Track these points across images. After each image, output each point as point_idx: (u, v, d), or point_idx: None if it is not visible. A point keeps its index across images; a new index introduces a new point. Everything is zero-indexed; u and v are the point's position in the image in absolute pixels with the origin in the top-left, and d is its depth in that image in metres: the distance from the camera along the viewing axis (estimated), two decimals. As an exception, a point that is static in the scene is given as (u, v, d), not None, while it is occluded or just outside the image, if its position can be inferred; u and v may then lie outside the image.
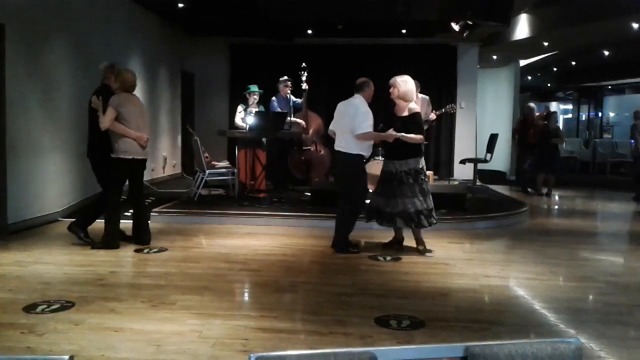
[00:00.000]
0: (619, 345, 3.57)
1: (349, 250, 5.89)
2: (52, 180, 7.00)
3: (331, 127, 6.09)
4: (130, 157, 5.83)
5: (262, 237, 6.59)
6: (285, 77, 8.97)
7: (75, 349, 3.32)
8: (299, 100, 9.11)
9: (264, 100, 8.91)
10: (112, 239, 5.86)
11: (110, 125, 5.67)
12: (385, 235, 6.30)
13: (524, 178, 11.73)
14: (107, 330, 3.64)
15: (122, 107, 5.73)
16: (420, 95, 8.26)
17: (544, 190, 11.00)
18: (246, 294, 4.90)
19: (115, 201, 5.92)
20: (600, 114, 21.33)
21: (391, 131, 5.64)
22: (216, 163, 8.80)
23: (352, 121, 5.73)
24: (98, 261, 5.40)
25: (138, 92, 9.86)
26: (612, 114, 21.37)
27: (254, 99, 8.68)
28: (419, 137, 5.70)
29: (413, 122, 5.73)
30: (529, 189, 11.27)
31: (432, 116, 8.38)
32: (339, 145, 5.89)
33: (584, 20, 10.39)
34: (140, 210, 6.17)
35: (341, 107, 5.99)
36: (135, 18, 9.84)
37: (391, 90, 5.83)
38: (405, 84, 5.81)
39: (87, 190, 8.05)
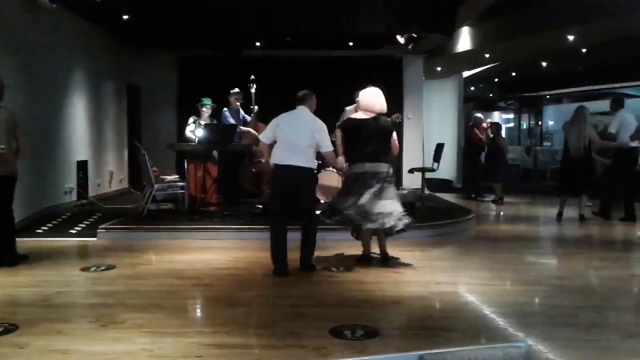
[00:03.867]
0: (566, 346, 3.69)
1: (315, 267, 5.71)
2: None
3: (269, 140, 5.69)
4: None
5: (213, 251, 6.51)
6: (237, 90, 8.94)
7: (20, 374, 3.20)
8: (248, 117, 9.08)
9: (214, 113, 8.84)
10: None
11: None
12: (339, 245, 6.34)
13: (470, 186, 12.11)
14: (54, 353, 3.51)
15: None
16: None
17: (495, 197, 11.37)
18: (198, 310, 4.82)
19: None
20: (540, 123, 22.13)
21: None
22: (165, 177, 8.65)
23: (316, 136, 5.52)
24: (42, 281, 5.21)
25: (83, 105, 9.72)
26: (551, 123, 22.19)
27: (206, 112, 8.60)
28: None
29: None
30: (473, 196, 11.66)
31: None
32: (297, 160, 5.47)
33: (523, 32, 10.80)
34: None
35: (292, 119, 5.66)
36: (79, 30, 9.60)
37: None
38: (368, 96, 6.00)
39: (34, 206, 7.78)
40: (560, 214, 9.05)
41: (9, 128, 5.57)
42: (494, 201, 11.45)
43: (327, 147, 5.61)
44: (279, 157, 5.57)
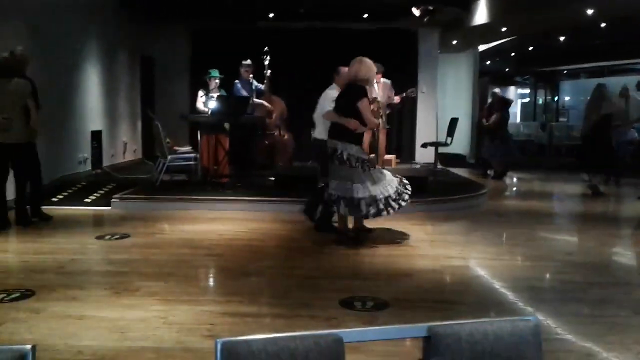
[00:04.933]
0: (575, 321, 3.71)
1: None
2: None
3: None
4: None
5: (226, 222, 6.57)
6: (248, 61, 8.88)
7: (37, 338, 3.27)
8: (260, 86, 9.03)
9: (225, 85, 8.81)
10: None
11: None
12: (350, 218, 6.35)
13: (483, 161, 11.99)
14: (69, 318, 3.59)
15: None
16: (382, 80, 8.31)
17: (495, 173, 11.21)
18: (211, 279, 4.89)
19: None
20: (556, 98, 21.86)
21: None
22: (178, 148, 8.69)
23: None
24: (58, 249, 5.30)
25: (96, 76, 9.74)
26: (567, 98, 21.92)
27: (215, 83, 8.57)
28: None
29: None
30: (489, 172, 11.55)
31: (397, 99, 8.47)
32: (318, 133, 6.14)
33: (541, 6, 10.59)
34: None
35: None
36: (93, 1, 9.56)
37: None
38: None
39: (49, 175, 7.85)
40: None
41: (19, 98, 5.83)
42: (493, 177, 11.21)
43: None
44: None
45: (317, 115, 6.17)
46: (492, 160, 11.36)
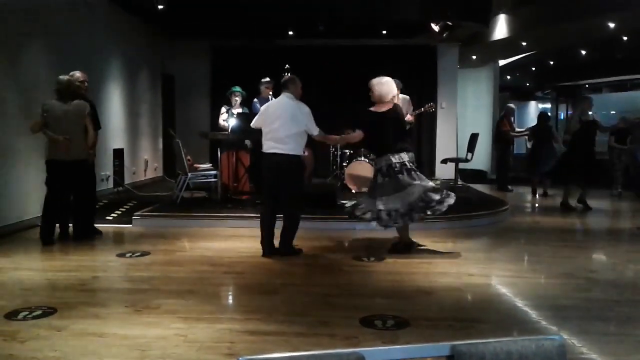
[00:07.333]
0: (601, 340, 3.63)
1: (295, 251, 5.84)
2: (31, 185, 6.90)
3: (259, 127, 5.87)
4: (51, 159, 6.14)
5: (245, 239, 6.57)
6: (268, 79, 8.95)
7: (59, 356, 3.29)
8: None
9: (246, 102, 8.88)
10: (41, 234, 6.18)
11: (37, 130, 6.11)
12: (369, 235, 6.33)
13: (503, 177, 11.88)
14: (90, 336, 3.60)
15: (46, 112, 6.09)
16: (400, 96, 8.30)
17: (540, 191, 10.99)
18: (231, 297, 4.89)
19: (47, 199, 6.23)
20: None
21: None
22: (198, 165, 8.76)
23: (303, 122, 5.70)
24: (80, 266, 5.35)
25: (119, 94, 9.90)
26: (589, 113, 21.65)
27: (236, 100, 8.65)
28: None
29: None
30: (509, 187, 11.44)
31: (409, 118, 8.43)
32: (283, 148, 5.63)
33: (561, 20, 10.53)
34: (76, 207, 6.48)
35: (277, 108, 5.79)
36: (115, 20, 9.75)
37: (371, 93, 5.93)
38: (380, 85, 5.86)
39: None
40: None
41: (78, 118, 6.19)
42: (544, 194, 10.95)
43: (314, 130, 5.79)
44: (265, 146, 5.77)
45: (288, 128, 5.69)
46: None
